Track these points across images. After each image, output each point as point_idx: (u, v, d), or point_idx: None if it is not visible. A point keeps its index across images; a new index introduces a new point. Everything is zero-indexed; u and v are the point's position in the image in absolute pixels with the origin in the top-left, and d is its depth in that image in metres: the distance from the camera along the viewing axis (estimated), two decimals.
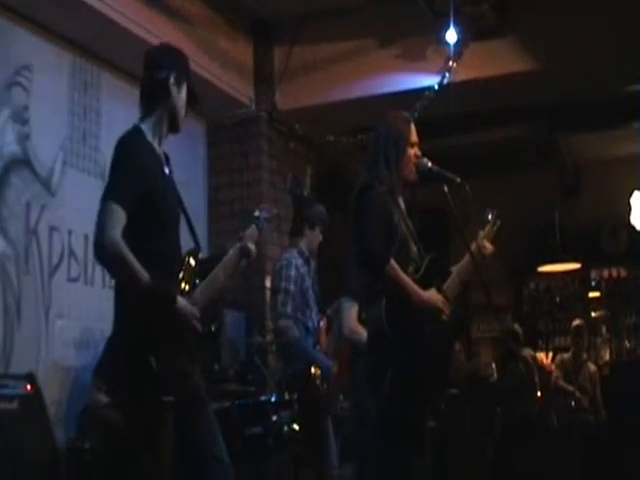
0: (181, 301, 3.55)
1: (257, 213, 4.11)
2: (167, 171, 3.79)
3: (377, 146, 4.37)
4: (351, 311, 5.00)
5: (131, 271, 3.43)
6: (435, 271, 4.26)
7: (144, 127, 3.74)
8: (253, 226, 4.04)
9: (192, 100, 3.92)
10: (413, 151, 4.37)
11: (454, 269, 4.42)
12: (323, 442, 5.85)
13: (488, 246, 4.52)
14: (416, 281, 4.11)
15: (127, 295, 3.56)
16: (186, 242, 3.84)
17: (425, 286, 4.14)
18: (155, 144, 3.75)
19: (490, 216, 4.59)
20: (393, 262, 3.99)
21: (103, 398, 5.45)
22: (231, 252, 3.93)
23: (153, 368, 3.41)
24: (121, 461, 3.90)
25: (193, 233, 3.89)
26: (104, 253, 3.43)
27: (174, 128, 3.86)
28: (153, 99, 3.79)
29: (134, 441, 3.57)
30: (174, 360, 3.50)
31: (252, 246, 3.94)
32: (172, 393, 3.48)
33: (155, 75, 3.79)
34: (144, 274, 3.44)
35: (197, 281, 3.75)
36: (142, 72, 3.88)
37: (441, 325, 4.14)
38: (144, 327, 3.45)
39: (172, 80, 3.79)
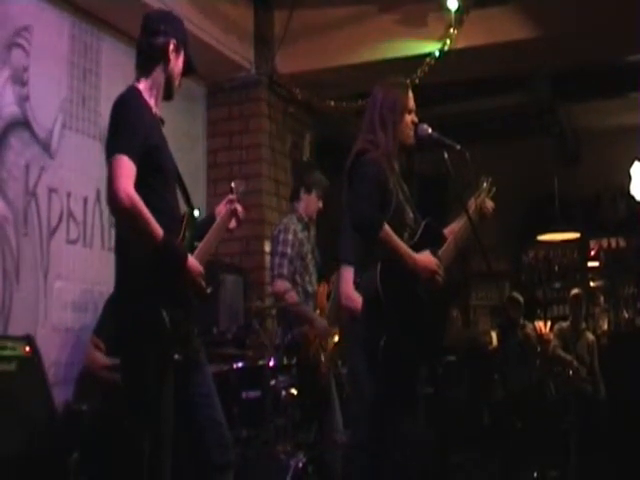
0: (190, 259, 3.57)
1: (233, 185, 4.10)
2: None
3: (373, 111, 4.36)
4: (347, 277, 5.00)
5: (147, 224, 3.42)
6: (431, 237, 4.26)
7: (141, 88, 3.75)
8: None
9: (188, 68, 3.94)
10: (410, 117, 4.36)
11: (447, 230, 4.42)
12: (326, 407, 5.89)
13: (489, 204, 4.52)
14: (411, 247, 4.10)
15: (133, 251, 3.55)
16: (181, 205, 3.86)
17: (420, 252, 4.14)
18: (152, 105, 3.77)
19: (485, 184, 4.59)
20: (387, 227, 3.98)
21: (102, 358, 5.48)
22: (222, 215, 3.93)
23: (166, 324, 3.41)
24: (120, 422, 3.89)
25: (187, 196, 3.89)
26: (120, 205, 3.40)
27: (168, 95, 3.88)
28: (150, 64, 3.81)
29: (137, 401, 3.56)
30: (180, 318, 3.51)
31: (239, 207, 3.95)
32: (178, 351, 3.50)
33: (154, 41, 3.80)
34: (159, 228, 3.45)
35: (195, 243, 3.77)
36: (140, 36, 3.89)
37: (435, 289, 4.15)
38: (153, 283, 3.45)
39: (171, 47, 3.81)
